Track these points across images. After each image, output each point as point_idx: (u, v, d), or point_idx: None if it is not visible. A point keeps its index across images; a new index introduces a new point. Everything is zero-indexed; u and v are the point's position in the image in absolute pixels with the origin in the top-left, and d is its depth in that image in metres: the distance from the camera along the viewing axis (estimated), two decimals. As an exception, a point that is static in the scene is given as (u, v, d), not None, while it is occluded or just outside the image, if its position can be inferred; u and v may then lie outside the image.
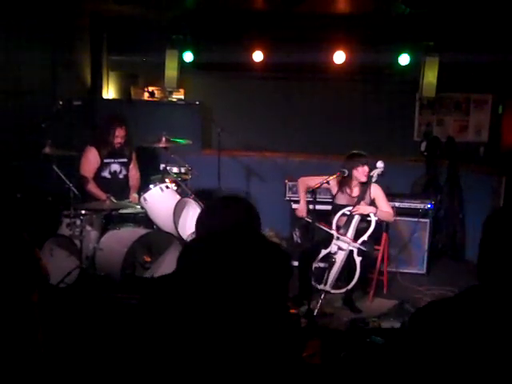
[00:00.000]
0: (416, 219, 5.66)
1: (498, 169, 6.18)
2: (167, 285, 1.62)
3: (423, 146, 6.56)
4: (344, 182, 4.86)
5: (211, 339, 1.46)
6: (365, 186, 4.81)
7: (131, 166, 5.44)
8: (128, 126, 5.26)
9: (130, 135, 5.33)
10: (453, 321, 1.49)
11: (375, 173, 4.79)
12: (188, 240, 4.65)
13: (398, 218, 5.61)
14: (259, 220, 1.89)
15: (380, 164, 4.78)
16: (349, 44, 6.44)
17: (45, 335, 2.63)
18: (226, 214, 1.84)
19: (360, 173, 4.78)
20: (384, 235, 5.07)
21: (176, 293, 1.56)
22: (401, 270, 5.62)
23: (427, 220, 5.70)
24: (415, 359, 1.51)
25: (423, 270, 5.72)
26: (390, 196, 5.56)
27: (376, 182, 4.83)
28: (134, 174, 5.49)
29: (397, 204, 5.61)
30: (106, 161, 5.24)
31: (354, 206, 4.73)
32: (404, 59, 6.40)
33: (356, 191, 4.86)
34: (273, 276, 1.55)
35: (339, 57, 6.49)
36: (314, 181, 4.71)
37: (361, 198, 4.78)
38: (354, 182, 4.86)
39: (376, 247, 4.99)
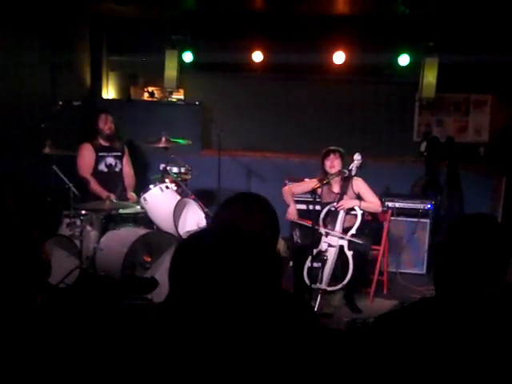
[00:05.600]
0: (416, 219, 5.67)
1: (498, 169, 6.19)
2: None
3: (423, 147, 6.56)
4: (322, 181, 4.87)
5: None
6: (346, 181, 4.81)
7: (125, 160, 5.48)
8: (113, 116, 5.35)
9: (119, 129, 5.44)
10: (402, 329, 1.50)
11: (353, 166, 4.78)
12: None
13: (398, 218, 5.62)
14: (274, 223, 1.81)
15: (357, 156, 4.78)
16: (348, 44, 6.45)
17: (43, 335, 2.63)
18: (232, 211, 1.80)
19: (328, 165, 4.79)
20: (384, 235, 5.07)
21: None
22: (401, 270, 5.62)
23: (427, 220, 5.71)
24: (368, 365, 1.52)
25: (423, 270, 5.72)
26: (390, 196, 5.57)
27: (356, 175, 4.81)
28: (128, 171, 5.51)
29: (397, 204, 5.62)
30: (100, 154, 5.30)
31: (337, 201, 4.74)
32: (404, 60, 6.41)
33: (337, 187, 4.87)
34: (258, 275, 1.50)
35: (339, 57, 6.50)
36: (300, 186, 4.91)
37: (343, 193, 4.79)
38: (335, 179, 4.85)
39: (376, 247, 5.00)
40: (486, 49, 5.96)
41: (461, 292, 1.46)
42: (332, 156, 4.79)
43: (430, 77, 6.12)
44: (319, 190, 4.92)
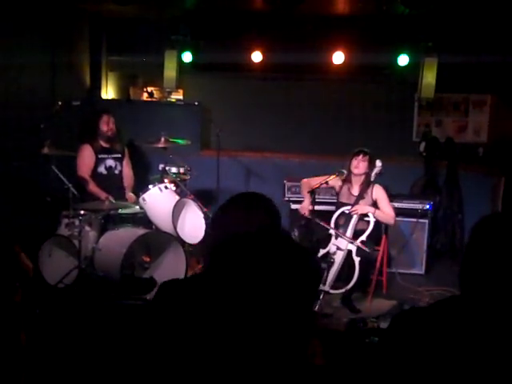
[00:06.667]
0: (415, 220, 5.67)
1: (497, 169, 6.19)
2: (187, 288, 1.58)
3: (422, 147, 6.56)
4: (346, 180, 4.88)
5: (231, 344, 1.43)
6: (366, 185, 4.81)
7: (125, 162, 5.47)
8: (114, 117, 5.33)
9: (120, 130, 5.42)
10: (427, 328, 1.48)
11: (373, 172, 4.79)
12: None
13: (397, 219, 5.61)
14: (280, 219, 1.84)
15: (378, 163, 4.79)
16: (348, 44, 6.44)
17: (43, 336, 2.63)
18: (249, 214, 1.78)
19: (353, 164, 4.79)
20: (383, 236, 5.07)
21: (200, 295, 1.52)
22: (400, 271, 5.61)
23: (426, 220, 5.70)
24: (389, 363, 1.50)
25: (422, 271, 5.73)
26: (389, 197, 5.56)
27: (376, 182, 4.84)
28: (128, 172, 5.51)
29: (396, 204, 5.59)
30: (100, 156, 5.28)
31: (353, 205, 4.74)
32: (403, 60, 6.41)
33: (356, 190, 4.87)
34: (303, 281, 1.50)
35: (338, 57, 6.50)
36: (316, 181, 4.75)
37: (360, 196, 4.78)
38: (355, 180, 4.86)
39: (376, 248, 4.99)
40: (485, 49, 5.96)
41: (489, 292, 1.45)
42: (361, 157, 4.78)
43: (429, 77, 6.12)
44: (338, 188, 4.92)
